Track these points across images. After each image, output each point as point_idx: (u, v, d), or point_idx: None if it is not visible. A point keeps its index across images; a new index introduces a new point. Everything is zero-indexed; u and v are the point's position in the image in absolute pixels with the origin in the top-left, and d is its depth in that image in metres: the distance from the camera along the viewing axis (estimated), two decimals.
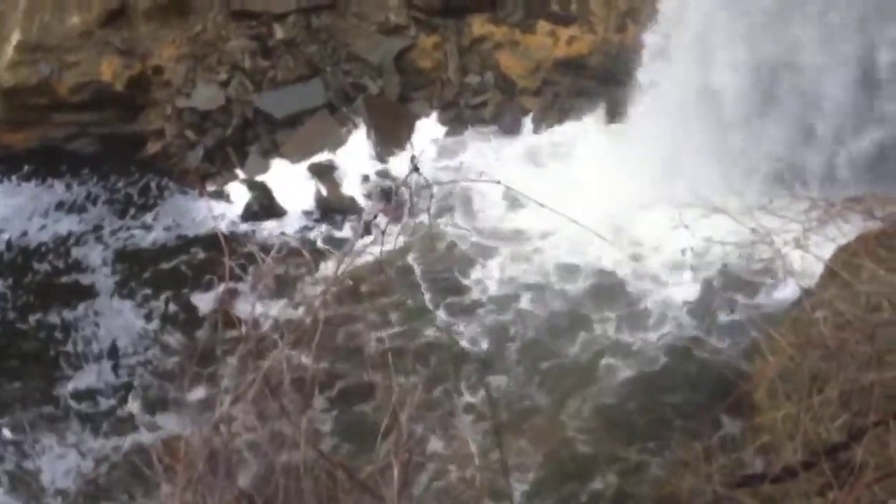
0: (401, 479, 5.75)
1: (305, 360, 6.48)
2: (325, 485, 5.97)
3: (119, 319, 18.39)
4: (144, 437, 16.11)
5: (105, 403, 17.06)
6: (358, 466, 6.78)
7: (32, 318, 18.17)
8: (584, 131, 18.01)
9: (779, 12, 17.20)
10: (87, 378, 17.44)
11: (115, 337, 17.94)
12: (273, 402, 5.70)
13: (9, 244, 18.96)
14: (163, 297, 18.29)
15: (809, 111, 17.16)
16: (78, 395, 17.17)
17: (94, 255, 19.19)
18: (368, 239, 12.52)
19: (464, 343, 16.20)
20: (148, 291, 18.50)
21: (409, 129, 18.39)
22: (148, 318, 18.30)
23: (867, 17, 16.55)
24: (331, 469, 6.00)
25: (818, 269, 10.06)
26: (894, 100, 17.33)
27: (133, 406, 16.79)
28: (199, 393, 13.98)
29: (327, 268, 16.96)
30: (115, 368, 17.58)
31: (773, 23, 17.44)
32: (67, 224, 19.47)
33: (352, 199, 17.28)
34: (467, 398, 15.99)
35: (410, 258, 17.46)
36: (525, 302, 16.61)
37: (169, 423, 16.14)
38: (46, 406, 16.94)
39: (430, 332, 16.54)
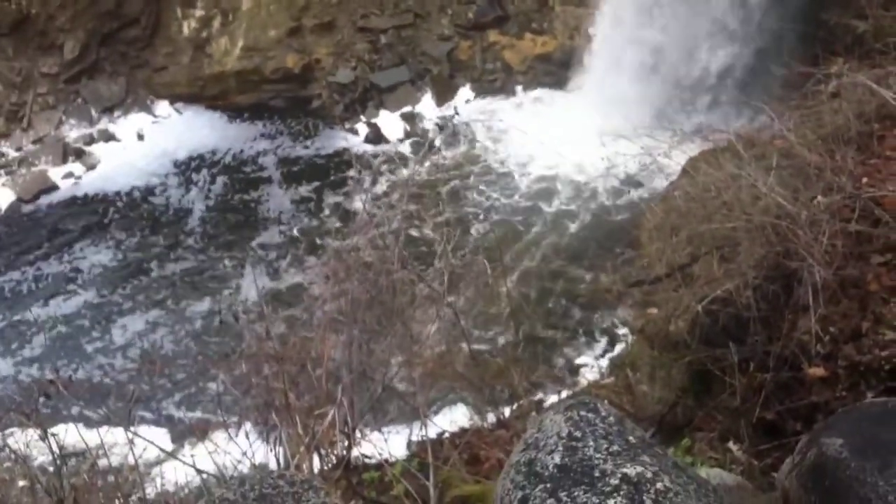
0: (448, 282, 8.41)
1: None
2: (406, 285, 8.37)
3: (286, 198, 26.23)
4: (308, 262, 23.79)
5: (278, 250, 24.84)
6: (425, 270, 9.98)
7: (238, 198, 26.30)
8: (551, 93, 27.53)
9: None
10: (268, 233, 25.52)
11: (283, 209, 25.76)
12: (379, 239, 9.02)
13: (233, 155, 27.57)
14: (314, 184, 26.46)
15: (673, 89, 25.25)
16: (262, 246, 25.13)
17: (275, 162, 27.33)
18: (433, 150, 23.40)
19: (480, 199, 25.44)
20: (304, 181, 26.58)
21: (454, 94, 27.72)
22: (304, 198, 26.17)
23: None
24: (411, 277, 8.77)
25: (678, 169, 13.07)
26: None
27: (299, 250, 24.74)
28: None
29: (411, 166, 26.00)
30: (283, 230, 25.38)
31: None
32: (263, 144, 27.84)
33: (424, 131, 27.26)
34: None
35: (457, 161, 26.40)
36: (512, 186, 25.45)
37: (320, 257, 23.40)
38: (244, 251, 24.74)
39: (466, 199, 25.25)
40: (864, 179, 7.28)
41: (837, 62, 9.94)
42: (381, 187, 25.81)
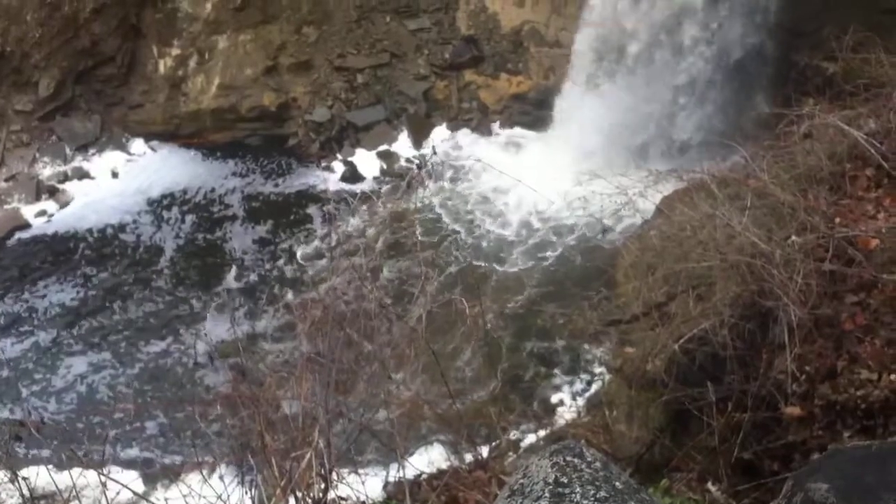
0: (426, 321, 8.09)
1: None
2: (383, 320, 8.17)
3: (255, 237, 25.98)
4: (282, 302, 23.53)
5: (249, 290, 24.47)
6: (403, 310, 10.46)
7: (207, 237, 26.01)
8: (526, 133, 27.73)
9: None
10: (237, 273, 24.95)
11: (252, 248, 25.64)
12: (357, 277, 8.86)
13: (204, 194, 27.34)
14: (286, 222, 26.31)
15: (643, 127, 25.64)
16: (232, 286, 24.55)
17: (247, 200, 27.23)
18: (409, 189, 23.43)
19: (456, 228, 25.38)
20: (275, 219, 26.30)
21: (430, 133, 27.87)
22: (276, 237, 25.93)
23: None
24: (388, 314, 8.55)
25: (652, 208, 12.78)
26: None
27: (272, 290, 24.34)
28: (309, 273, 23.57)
29: (387, 206, 25.85)
30: (253, 269, 24.99)
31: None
32: (236, 183, 27.75)
33: (401, 169, 27.26)
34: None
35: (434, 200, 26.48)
36: (489, 224, 25.41)
37: (295, 297, 23.40)
38: (212, 291, 24.43)
39: (443, 236, 25.04)
40: (837, 219, 7.37)
41: (809, 103, 10.11)
42: (358, 225, 25.79)
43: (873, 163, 7.73)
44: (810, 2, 21.48)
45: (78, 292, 24.76)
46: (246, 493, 6.77)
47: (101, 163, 28.23)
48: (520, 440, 16.12)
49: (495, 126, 28.26)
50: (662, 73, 25.33)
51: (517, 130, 28.07)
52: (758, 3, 23.23)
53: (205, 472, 7.43)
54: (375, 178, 27.57)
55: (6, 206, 26.87)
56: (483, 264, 24.53)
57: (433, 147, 27.96)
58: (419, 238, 24.81)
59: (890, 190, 7.53)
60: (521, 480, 3.21)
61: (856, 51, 10.87)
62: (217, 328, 22.50)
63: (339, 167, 27.97)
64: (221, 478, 7.04)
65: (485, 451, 8.84)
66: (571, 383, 20.89)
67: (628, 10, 25.00)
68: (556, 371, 21.50)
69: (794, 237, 7.32)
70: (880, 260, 6.86)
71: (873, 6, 19.45)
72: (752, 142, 11.55)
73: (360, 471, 7.43)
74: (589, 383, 20.55)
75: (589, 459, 3.19)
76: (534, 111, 27.83)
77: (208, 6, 28.38)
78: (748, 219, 7.68)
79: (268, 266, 25.23)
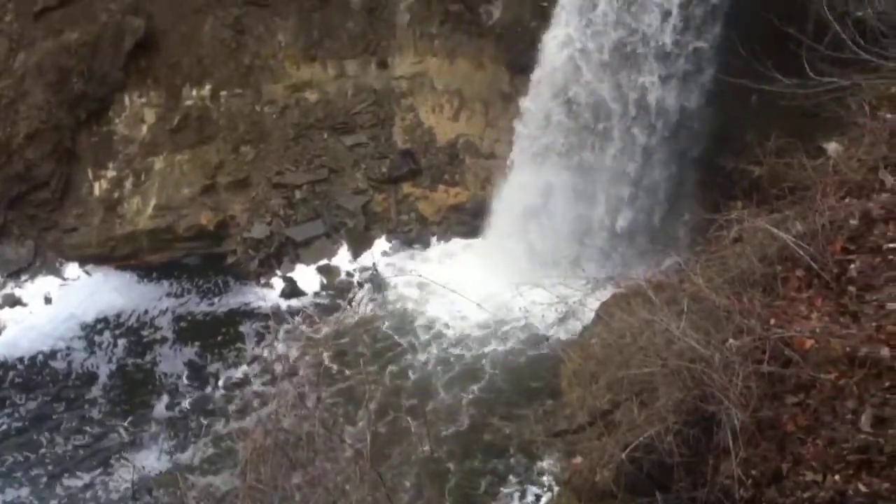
0: (372, 442, 7.80)
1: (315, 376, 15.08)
2: (328, 446, 7.94)
3: (187, 360, 25.36)
4: (222, 427, 22.96)
5: (184, 416, 23.86)
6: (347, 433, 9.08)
7: (138, 362, 25.43)
8: (465, 243, 27.90)
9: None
10: (170, 399, 24.45)
11: (185, 372, 25.03)
12: (300, 403, 8.13)
13: (138, 317, 26.89)
14: (220, 342, 25.81)
15: (578, 235, 25.99)
16: (163, 415, 24.04)
17: (180, 322, 26.76)
18: (351, 306, 23.24)
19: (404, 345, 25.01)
20: (209, 340, 25.91)
21: (370, 246, 27.84)
22: (203, 359, 25.33)
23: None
24: (331, 438, 8.07)
25: (591, 314, 14.09)
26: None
27: (212, 415, 23.62)
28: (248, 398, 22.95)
29: (328, 322, 25.67)
30: (187, 394, 24.29)
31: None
32: (168, 304, 27.44)
33: (341, 283, 27.19)
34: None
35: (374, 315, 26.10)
36: (431, 337, 25.17)
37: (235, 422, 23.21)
38: (146, 415, 23.86)
39: (385, 351, 24.76)
40: (772, 321, 7.44)
41: (737, 207, 10.34)
42: (298, 343, 25.41)
43: (803, 264, 7.87)
44: (733, 108, 22.16)
45: (2, 424, 23.92)
46: None
47: (35, 289, 27.66)
48: None
49: (434, 237, 28.43)
50: (595, 184, 25.85)
51: (456, 240, 28.27)
52: (685, 112, 23.87)
53: None
54: (316, 293, 27.39)
55: None
56: (426, 379, 24.23)
57: (374, 264, 27.90)
58: (361, 354, 24.55)
59: (820, 290, 7.66)
60: None
61: (779, 155, 11.24)
62: (147, 459, 21.85)
63: (278, 283, 27.76)
64: None
65: None
66: (522, 496, 20.49)
67: (563, 121, 25.48)
68: (505, 485, 21.11)
69: (731, 340, 7.37)
70: (816, 359, 6.91)
71: (793, 111, 20.21)
72: (685, 247, 11.78)
73: None
74: (538, 497, 20.21)
75: None
76: (471, 221, 28.14)
77: (144, 128, 28.44)
78: (686, 323, 7.74)
79: (198, 393, 24.66)
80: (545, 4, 24.96)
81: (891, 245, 7.62)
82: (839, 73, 10.50)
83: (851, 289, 7.45)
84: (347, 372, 23.57)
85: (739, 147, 21.96)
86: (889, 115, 9.34)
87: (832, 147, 12.13)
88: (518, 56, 26.57)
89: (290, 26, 29.16)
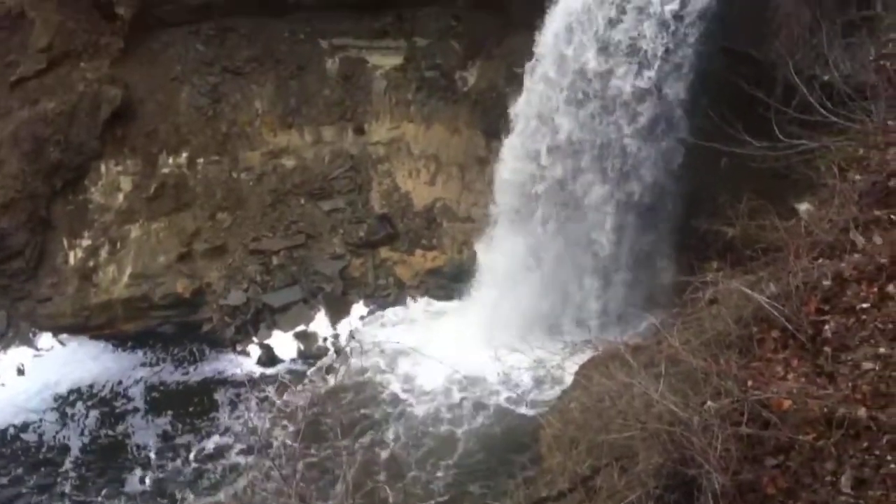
0: None
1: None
2: None
3: (155, 431, 25.27)
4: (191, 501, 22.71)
5: (158, 488, 23.59)
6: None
7: (111, 434, 25.25)
8: (443, 306, 27.73)
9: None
10: (143, 472, 24.18)
11: (158, 445, 24.84)
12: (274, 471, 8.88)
13: (111, 388, 26.63)
14: (194, 412, 25.69)
15: (556, 300, 25.66)
16: (139, 481, 23.94)
17: (153, 392, 26.53)
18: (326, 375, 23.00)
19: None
20: (183, 411, 25.67)
21: (348, 311, 27.78)
22: (176, 430, 25.06)
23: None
24: None
25: (570, 378, 14.65)
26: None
27: (177, 489, 23.46)
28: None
29: (303, 392, 24.82)
30: (160, 467, 24.21)
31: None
32: (142, 373, 27.17)
33: (319, 349, 26.97)
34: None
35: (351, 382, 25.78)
36: (410, 404, 24.86)
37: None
38: (118, 489, 23.60)
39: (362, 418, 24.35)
40: (750, 382, 7.44)
41: (712, 268, 10.40)
42: (271, 415, 25.07)
43: (778, 325, 7.91)
44: (705, 170, 22.42)
45: None
46: None
47: (7, 360, 27.30)
48: None
49: (412, 301, 28.32)
50: (574, 249, 25.83)
51: (434, 304, 28.15)
52: (659, 175, 24.07)
53: None
54: (293, 360, 27.18)
55: None
56: (402, 449, 24.00)
57: (351, 332, 27.70)
58: (338, 422, 23.25)
59: (796, 351, 7.68)
60: None
61: (751, 217, 11.34)
62: None
63: (254, 351, 27.55)
64: None
65: None
66: None
67: (539, 188, 25.50)
68: None
69: (709, 402, 7.35)
70: (794, 421, 6.91)
71: (763, 173, 20.45)
72: (661, 309, 11.79)
73: None
74: None
75: None
76: (449, 284, 28.12)
77: (120, 196, 28.42)
78: (664, 386, 7.72)
79: (171, 464, 24.27)
80: (519, 71, 25.20)
81: (864, 305, 7.68)
82: (808, 136, 10.68)
83: (827, 349, 7.49)
84: (320, 445, 22.31)
85: (712, 208, 22.07)
86: (858, 177, 9.49)
87: (804, 208, 12.28)
88: (493, 121, 26.83)
89: (266, 94, 29.42)
